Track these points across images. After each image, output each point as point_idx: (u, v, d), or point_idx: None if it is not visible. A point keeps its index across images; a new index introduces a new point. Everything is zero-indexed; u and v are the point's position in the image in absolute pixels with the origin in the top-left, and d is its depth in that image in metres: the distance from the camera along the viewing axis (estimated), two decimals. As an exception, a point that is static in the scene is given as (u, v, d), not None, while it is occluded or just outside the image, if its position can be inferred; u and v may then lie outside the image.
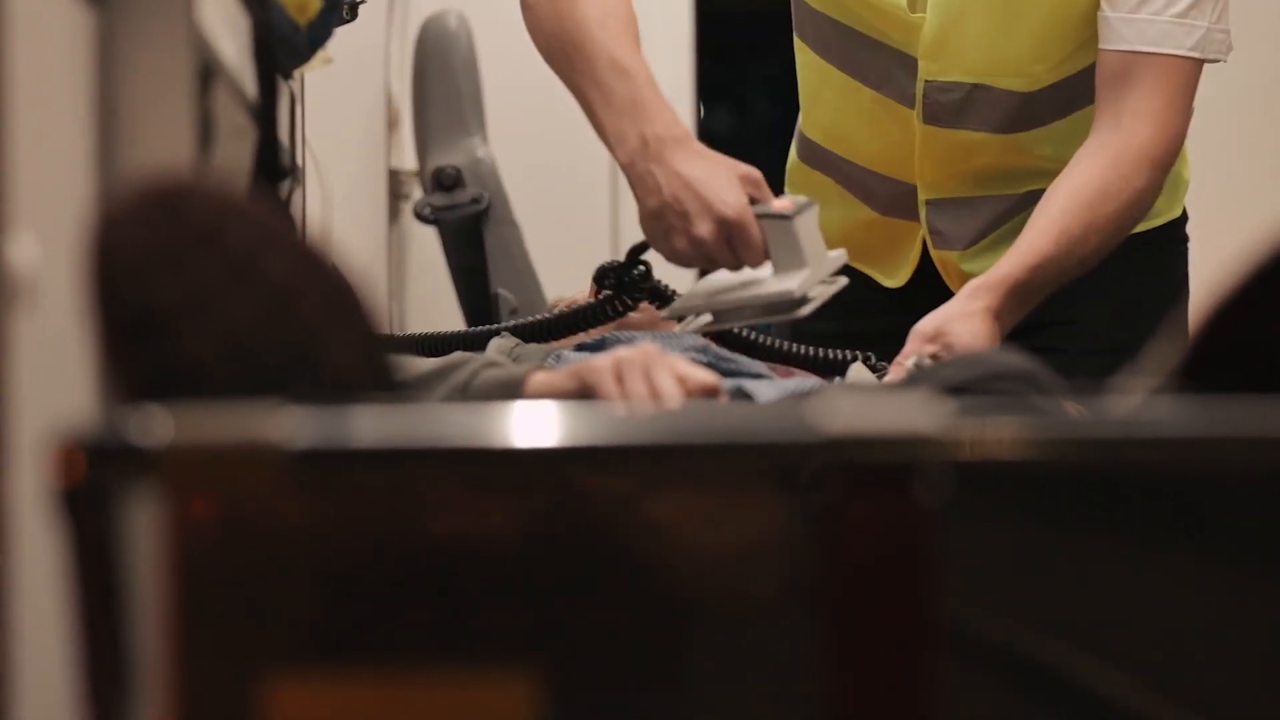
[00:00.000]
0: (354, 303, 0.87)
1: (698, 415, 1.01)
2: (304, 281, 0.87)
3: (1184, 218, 1.94)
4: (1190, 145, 1.84)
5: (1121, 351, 1.73)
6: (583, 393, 1.33)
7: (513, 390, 1.38)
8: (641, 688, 0.84)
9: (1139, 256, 1.81)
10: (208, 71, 1.20)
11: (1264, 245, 0.86)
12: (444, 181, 2.58)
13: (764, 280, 1.59)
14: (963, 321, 1.63)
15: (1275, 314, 0.85)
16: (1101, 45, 1.74)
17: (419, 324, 3.07)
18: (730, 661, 0.84)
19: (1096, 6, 1.74)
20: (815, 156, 1.96)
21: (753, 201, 1.58)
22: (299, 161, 1.71)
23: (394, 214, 3.03)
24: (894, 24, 1.79)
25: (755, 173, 1.60)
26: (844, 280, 1.62)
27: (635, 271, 1.67)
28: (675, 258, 1.60)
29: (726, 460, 0.83)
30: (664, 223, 1.59)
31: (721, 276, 1.62)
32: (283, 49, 1.52)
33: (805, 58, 1.92)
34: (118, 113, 1.12)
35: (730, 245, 1.57)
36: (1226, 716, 0.84)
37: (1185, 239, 1.95)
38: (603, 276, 1.69)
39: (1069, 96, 1.81)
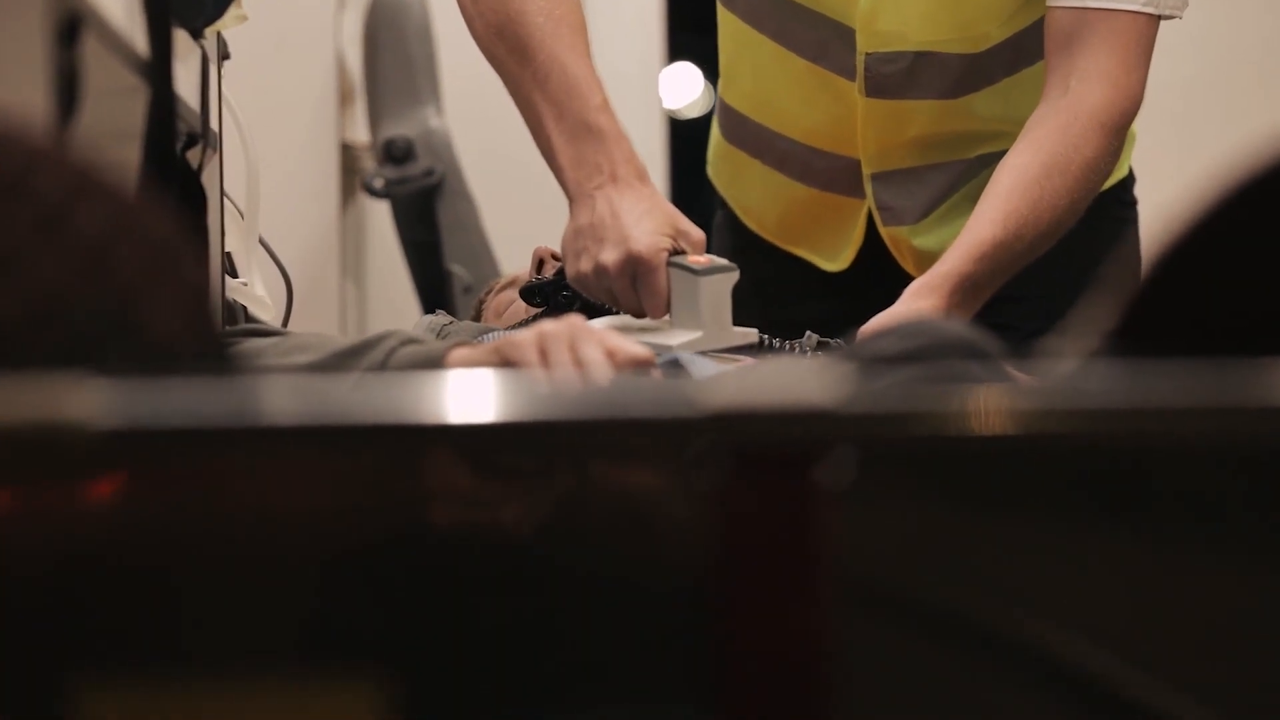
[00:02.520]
0: (180, 261, 0.77)
1: (565, 390, 0.91)
2: (122, 236, 0.77)
3: (1131, 178, 1.83)
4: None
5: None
6: (505, 368, 1.24)
7: (432, 367, 1.29)
8: (506, 690, 0.74)
9: (1088, 224, 1.69)
10: (73, 21, 1.10)
11: (1207, 194, 0.76)
12: (395, 153, 2.49)
13: (655, 331, 1.49)
14: None
15: (1219, 270, 0.75)
16: (1050, 2, 1.62)
17: (379, 305, 2.98)
18: (609, 663, 0.74)
19: None
20: (743, 132, 1.84)
21: (676, 253, 1.48)
22: (214, 127, 1.61)
23: (349, 190, 2.93)
24: None
25: (696, 232, 1.50)
26: (742, 360, 1.50)
27: (563, 293, 1.57)
28: (578, 281, 1.51)
29: (591, 439, 0.74)
30: (579, 243, 1.50)
31: (624, 319, 1.52)
32: (182, 2, 1.42)
33: (732, 27, 1.80)
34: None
35: (634, 285, 1.47)
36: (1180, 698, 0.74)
37: (1134, 201, 1.84)
38: (531, 295, 1.60)
39: (1017, 54, 1.70)
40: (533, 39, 1.54)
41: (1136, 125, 1.79)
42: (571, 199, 1.52)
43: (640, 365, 1.22)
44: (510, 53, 1.55)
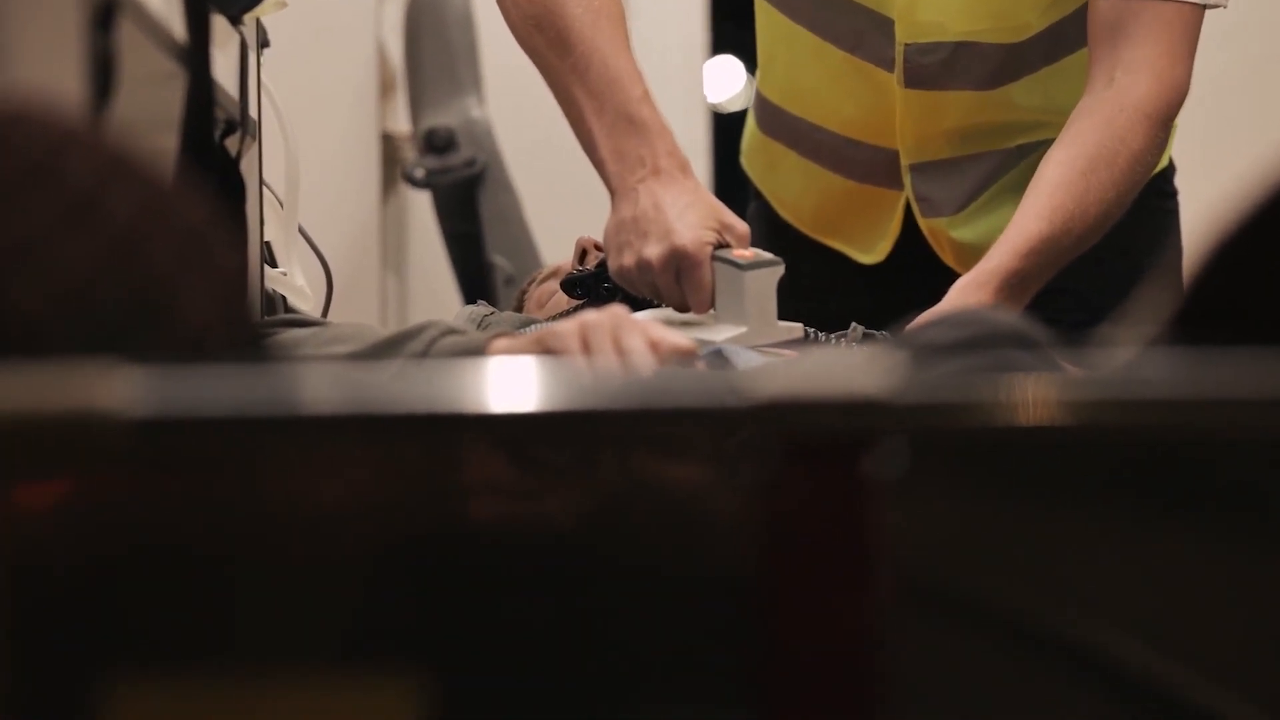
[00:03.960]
0: (213, 249, 0.76)
1: (610, 379, 0.90)
2: (154, 224, 0.75)
3: (1172, 168, 1.81)
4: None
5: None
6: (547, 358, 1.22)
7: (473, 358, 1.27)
8: (551, 687, 0.72)
9: (1129, 215, 1.66)
10: (108, 6, 1.08)
11: (1258, 184, 0.74)
12: (436, 143, 2.47)
13: (699, 326, 1.47)
14: None
15: (1272, 260, 0.73)
16: None
17: (420, 297, 2.97)
18: (654, 658, 0.72)
19: None
20: (778, 124, 1.82)
21: (720, 247, 1.46)
22: (252, 115, 1.60)
23: (390, 181, 2.91)
24: None
25: (741, 225, 1.48)
26: (787, 354, 1.48)
27: (605, 285, 1.55)
28: (621, 275, 1.49)
29: (639, 429, 0.72)
30: (621, 237, 1.48)
31: (667, 312, 1.50)
32: (220, -12, 1.41)
33: (769, 18, 1.78)
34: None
35: (678, 280, 1.45)
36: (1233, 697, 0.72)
37: (1175, 192, 1.81)
38: (572, 287, 1.58)
39: (1056, 42, 1.67)
40: (572, 30, 1.52)
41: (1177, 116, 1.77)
42: (613, 192, 1.50)
43: (684, 356, 1.20)
44: (549, 45, 1.54)
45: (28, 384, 0.68)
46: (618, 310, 1.22)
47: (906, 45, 1.66)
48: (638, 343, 1.18)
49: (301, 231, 1.78)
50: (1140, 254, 1.72)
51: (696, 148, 3.08)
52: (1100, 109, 1.57)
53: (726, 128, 3.57)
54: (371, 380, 0.72)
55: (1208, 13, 1.61)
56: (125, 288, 0.74)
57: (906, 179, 1.74)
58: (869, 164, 1.75)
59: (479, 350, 1.27)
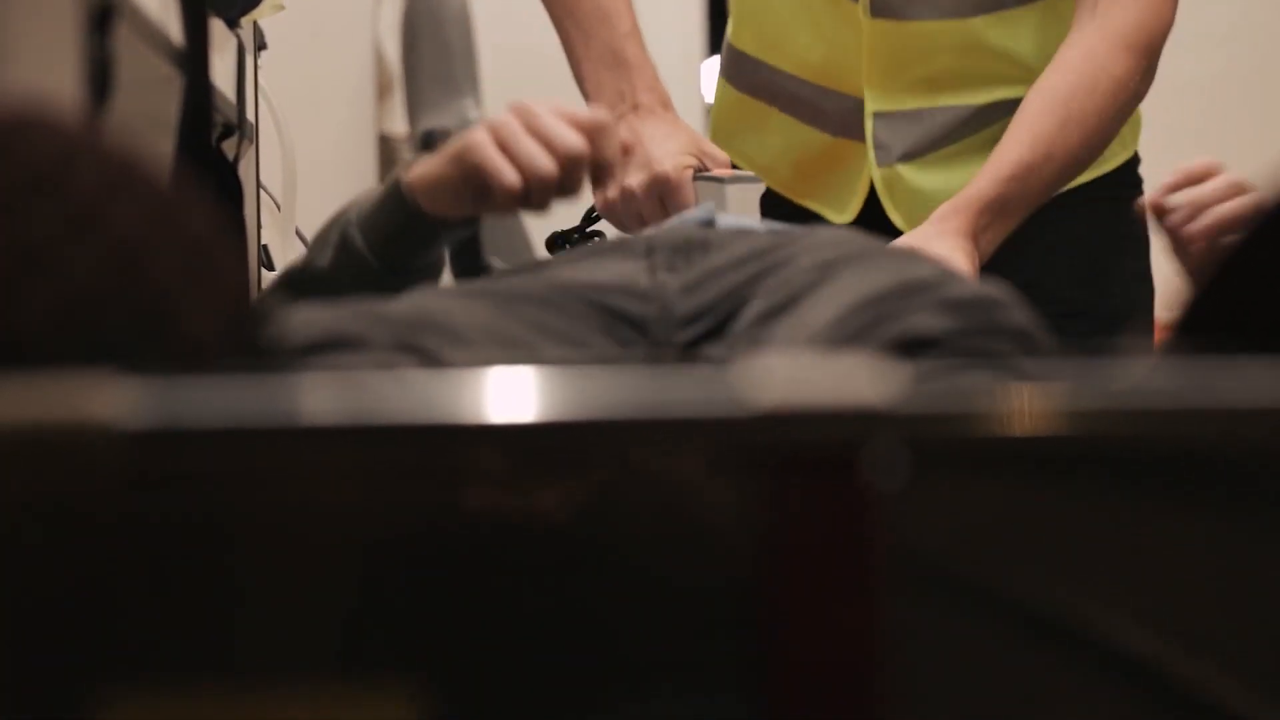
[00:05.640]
0: (217, 260, 0.75)
1: (601, 387, 0.90)
2: (158, 234, 0.75)
3: (1136, 159, 1.79)
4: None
5: (1088, 314, 1.58)
6: (468, 177, 1.20)
7: (395, 195, 1.25)
8: (551, 695, 0.72)
9: (1095, 208, 1.65)
10: (105, 9, 1.08)
11: (1265, 192, 0.74)
12: (433, 145, 2.46)
13: None
14: (935, 243, 1.45)
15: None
16: None
17: (417, 297, 2.97)
18: (655, 669, 0.72)
19: None
20: (749, 75, 1.78)
21: (700, 171, 1.48)
22: (250, 118, 1.60)
23: (387, 181, 2.91)
24: None
25: (720, 153, 1.50)
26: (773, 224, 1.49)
27: (591, 236, 1.56)
28: (606, 209, 1.51)
29: (638, 438, 0.72)
30: None
31: None
32: (217, -9, 1.41)
33: None
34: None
35: (662, 205, 1.47)
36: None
37: (1139, 182, 1.80)
38: (554, 245, 1.59)
39: None
40: None
41: (1160, 116, 1.76)
42: None
43: (597, 126, 1.17)
44: None
45: (30, 394, 0.68)
46: (519, 104, 1.19)
47: None
48: (557, 126, 1.16)
49: (299, 234, 1.78)
50: (1106, 248, 1.71)
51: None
52: (1083, 39, 1.56)
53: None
54: (373, 390, 0.72)
55: (1208, 12, 1.60)
56: (128, 298, 0.74)
57: (869, 125, 1.70)
58: (839, 114, 1.71)
59: (397, 183, 1.25)
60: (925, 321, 1.04)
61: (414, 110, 2.57)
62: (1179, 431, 0.72)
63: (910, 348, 1.03)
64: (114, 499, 0.68)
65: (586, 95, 1.55)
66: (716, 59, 1.91)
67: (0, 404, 0.68)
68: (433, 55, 2.54)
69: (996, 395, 0.71)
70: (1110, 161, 1.71)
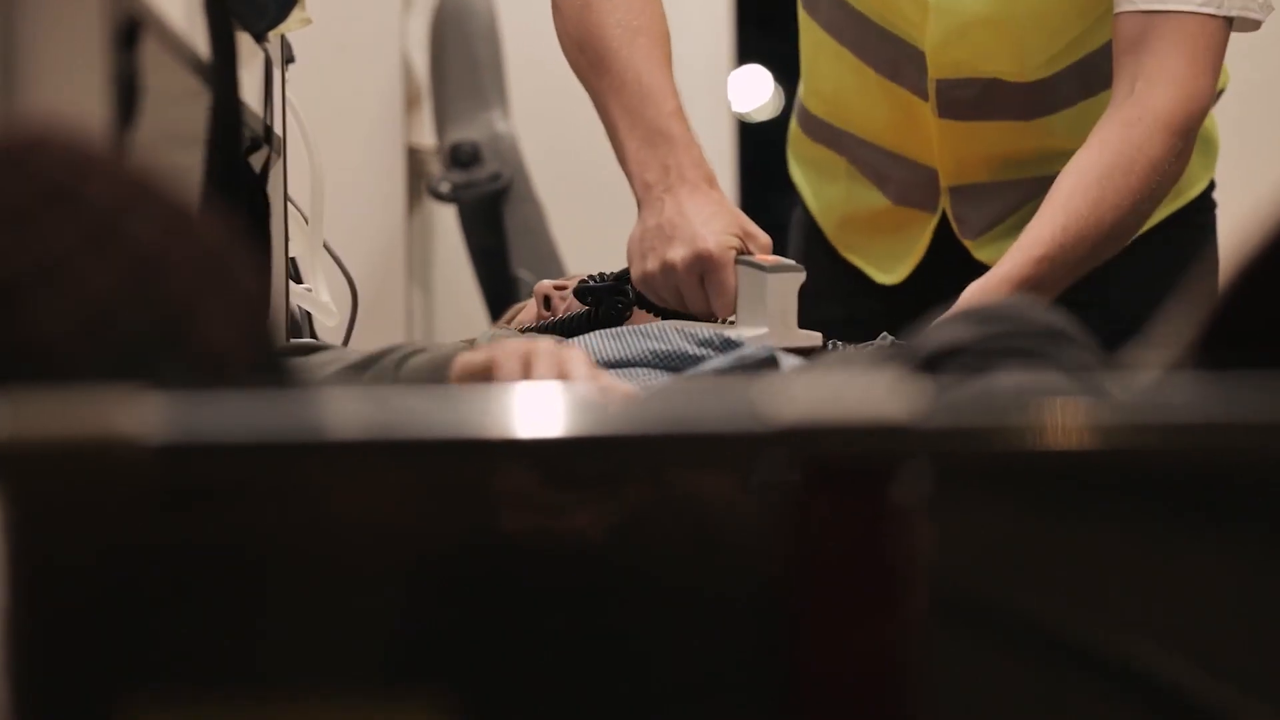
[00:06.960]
0: (234, 272, 0.75)
1: (621, 404, 0.89)
2: (175, 247, 0.74)
3: (1211, 184, 1.79)
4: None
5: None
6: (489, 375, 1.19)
7: (439, 374, 1.25)
8: (578, 709, 0.72)
9: (1170, 233, 1.65)
10: (132, 24, 1.08)
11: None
12: (461, 158, 2.46)
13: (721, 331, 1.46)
14: None
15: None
16: (1116, 9, 1.58)
17: (445, 311, 2.96)
18: (683, 681, 0.72)
19: None
20: (824, 133, 1.82)
21: (743, 254, 1.46)
22: (277, 131, 1.60)
23: (416, 195, 2.91)
24: (900, 16, 1.66)
25: (763, 236, 1.49)
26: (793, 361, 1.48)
27: (618, 300, 1.55)
28: (644, 281, 1.49)
29: (663, 454, 0.71)
30: (646, 243, 1.48)
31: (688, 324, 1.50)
32: (244, 5, 1.41)
33: (814, 35, 1.78)
34: (16, 69, 1.00)
35: (701, 284, 1.45)
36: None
37: (1213, 205, 1.80)
38: (585, 295, 1.57)
39: (1090, 76, 1.66)
40: (609, 49, 1.54)
41: (1219, 133, 1.76)
42: (640, 202, 1.51)
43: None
44: (590, 65, 1.56)
45: (57, 409, 0.68)
46: (550, 342, 1.19)
47: (938, 80, 1.66)
48: (580, 370, 1.15)
49: (326, 247, 1.78)
50: (1180, 271, 1.70)
51: (722, 158, 3.07)
52: (1119, 118, 1.56)
53: (752, 138, 3.57)
54: (396, 404, 0.71)
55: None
56: (146, 312, 0.74)
57: (945, 200, 1.73)
58: (908, 181, 1.75)
59: (445, 365, 1.25)
60: (950, 333, 1.03)
61: (442, 122, 2.56)
62: (1209, 446, 0.71)
63: (937, 361, 1.02)
64: (141, 512, 0.68)
65: (629, 172, 1.53)
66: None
67: (28, 418, 0.68)
68: (460, 67, 2.53)
69: (1023, 410, 0.70)
70: (1190, 191, 1.71)
